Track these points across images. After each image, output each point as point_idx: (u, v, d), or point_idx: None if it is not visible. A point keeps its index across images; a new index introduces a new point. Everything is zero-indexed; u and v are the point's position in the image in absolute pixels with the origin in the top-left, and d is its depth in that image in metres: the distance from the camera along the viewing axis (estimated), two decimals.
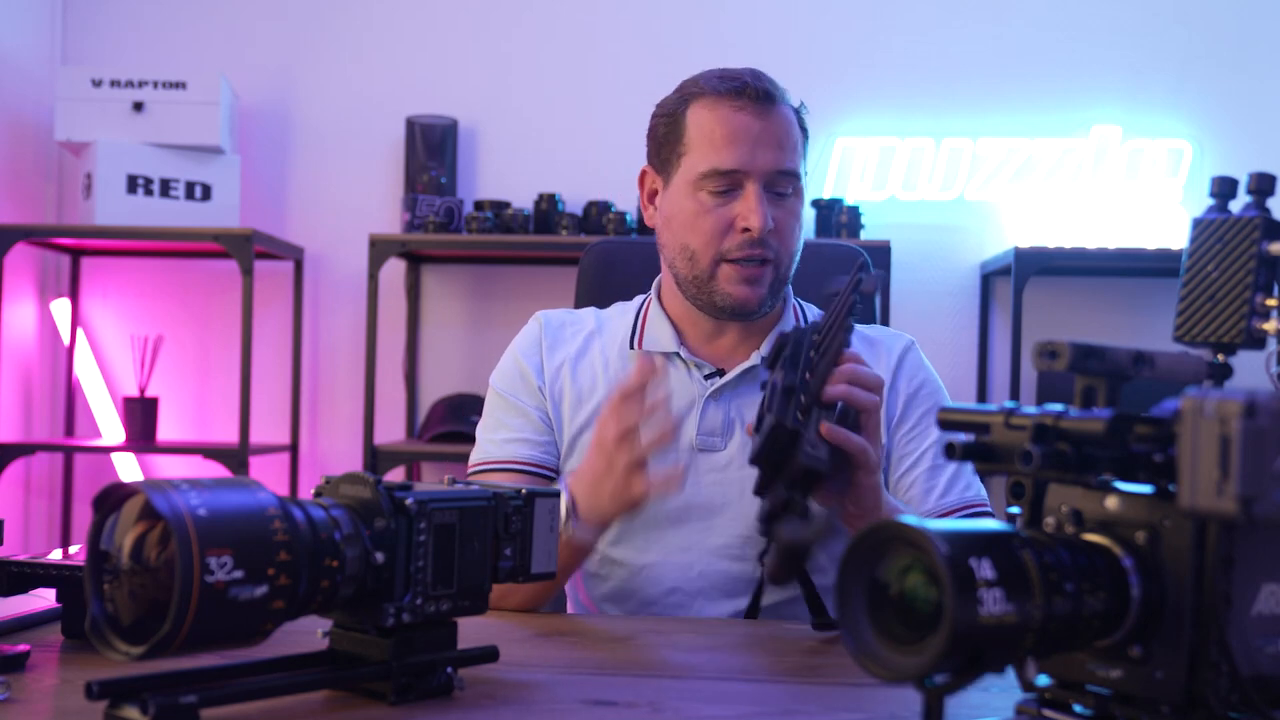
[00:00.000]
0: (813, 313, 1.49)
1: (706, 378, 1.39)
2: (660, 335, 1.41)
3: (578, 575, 1.42)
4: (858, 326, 1.40)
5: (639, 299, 1.49)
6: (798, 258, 1.40)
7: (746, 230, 1.32)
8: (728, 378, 1.38)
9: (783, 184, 1.35)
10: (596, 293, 1.65)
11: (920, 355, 1.46)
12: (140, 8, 3.40)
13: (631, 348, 1.41)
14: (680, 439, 1.36)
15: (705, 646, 1.04)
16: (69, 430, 3.34)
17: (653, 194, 1.43)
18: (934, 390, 1.43)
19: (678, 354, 1.40)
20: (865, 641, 0.62)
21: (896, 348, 1.44)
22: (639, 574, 1.36)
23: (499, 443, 1.41)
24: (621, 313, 1.49)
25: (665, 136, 1.39)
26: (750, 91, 1.34)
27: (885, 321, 2.94)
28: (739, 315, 1.37)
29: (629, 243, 1.78)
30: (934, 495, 1.38)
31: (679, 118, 1.37)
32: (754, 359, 1.38)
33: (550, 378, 1.43)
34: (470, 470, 1.42)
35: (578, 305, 1.67)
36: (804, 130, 1.40)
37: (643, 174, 1.44)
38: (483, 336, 3.24)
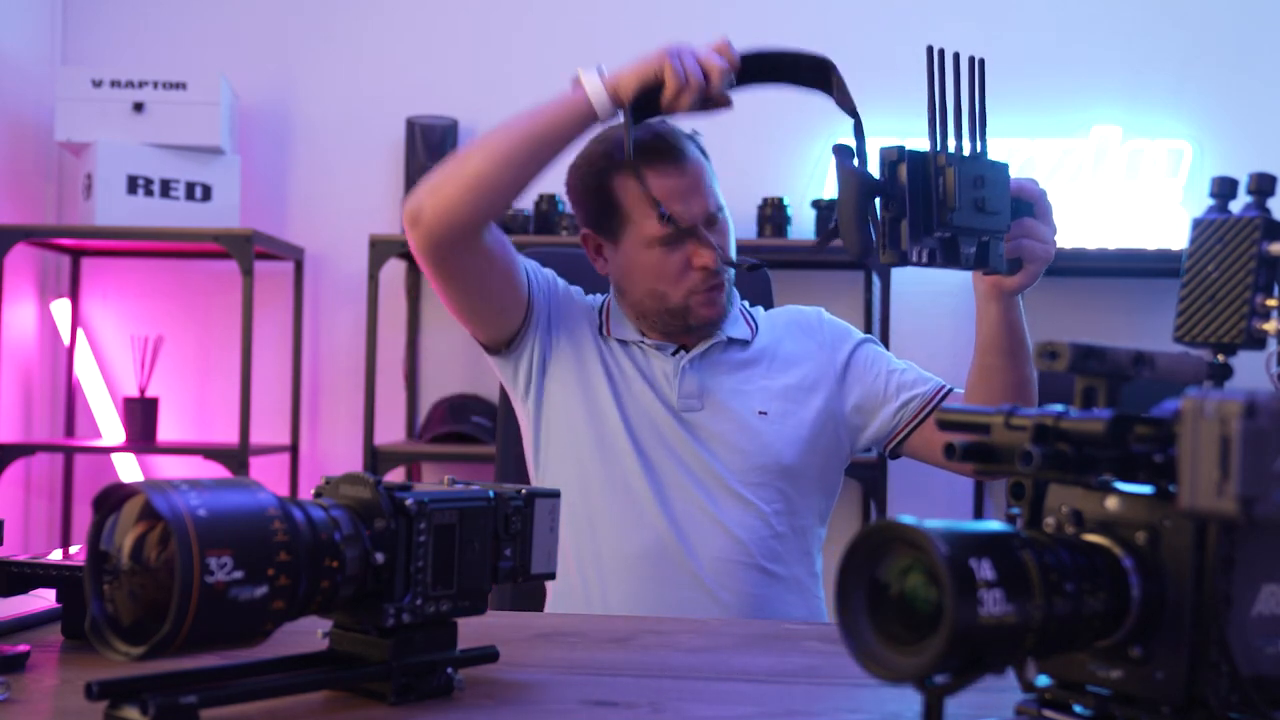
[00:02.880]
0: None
1: (673, 354, 1.57)
2: (624, 326, 1.59)
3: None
4: (774, 313, 1.67)
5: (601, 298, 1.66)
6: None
7: (705, 268, 1.51)
8: (696, 350, 1.56)
9: (715, 216, 1.54)
10: None
11: (830, 317, 1.67)
12: (140, 8, 3.40)
13: (603, 335, 1.59)
14: (662, 403, 1.55)
15: (705, 646, 1.04)
16: (69, 431, 3.34)
17: (598, 248, 1.59)
18: (850, 335, 1.64)
19: (643, 342, 1.58)
20: (865, 642, 0.62)
21: (818, 321, 1.65)
22: (640, 520, 1.52)
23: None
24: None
25: (599, 208, 1.55)
26: (664, 147, 1.52)
27: (886, 322, 2.94)
28: (710, 327, 1.56)
29: (547, 252, 1.90)
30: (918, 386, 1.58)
31: (605, 190, 1.54)
32: (718, 336, 1.57)
33: (562, 313, 1.59)
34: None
35: None
36: (705, 154, 1.57)
37: (585, 237, 1.60)
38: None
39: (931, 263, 1.20)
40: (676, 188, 1.50)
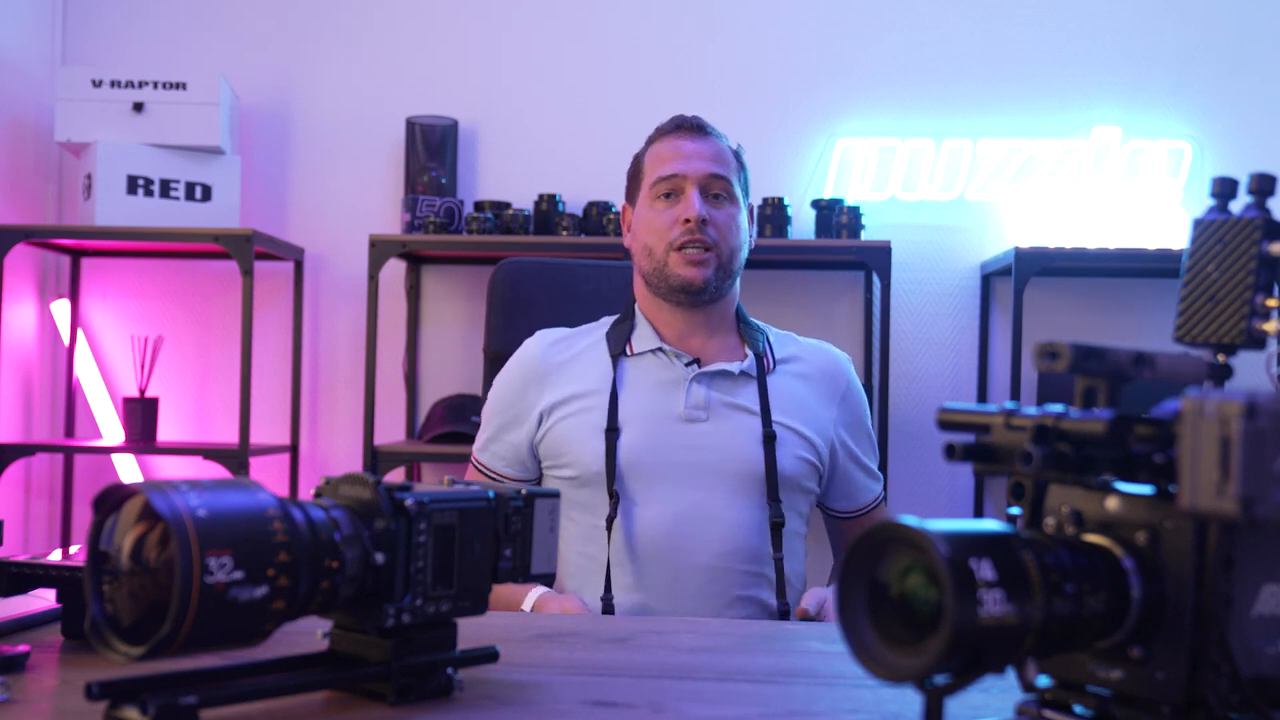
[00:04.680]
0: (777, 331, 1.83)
1: (687, 365, 1.69)
2: (644, 336, 1.73)
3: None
4: (802, 346, 1.79)
5: (609, 320, 1.79)
6: (742, 254, 1.73)
7: (687, 221, 1.66)
8: (707, 369, 1.69)
9: (717, 188, 1.70)
10: (505, 308, 1.98)
11: (854, 384, 1.80)
12: (140, 8, 3.40)
13: (625, 354, 1.72)
14: (671, 412, 1.67)
15: (705, 647, 1.04)
16: (69, 431, 3.34)
17: (629, 224, 1.79)
18: (860, 414, 1.80)
19: (661, 349, 1.71)
20: (865, 642, 0.62)
21: (843, 374, 1.79)
22: (645, 520, 1.64)
23: (484, 445, 1.78)
24: (607, 323, 1.79)
25: (632, 174, 1.79)
26: (687, 124, 1.74)
27: (886, 322, 2.94)
28: (691, 293, 1.68)
29: (537, 263, 2.09)
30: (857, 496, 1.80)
31: (640, 157, 1.78)
32: (733, 368, 1.69)
33: (546, 405, 1.72)
34: (472, 457, 1.80)
35: (488, 317, 2.08)
36: (741, 164, 1.75)
37: (622, 210, 1.83)
38: (483, 337, 3.24)
39: None
40: (681, 149, 1.70)
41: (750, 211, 1.77)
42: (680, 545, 1.62)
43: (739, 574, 1.63)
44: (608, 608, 1.61)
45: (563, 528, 1.67)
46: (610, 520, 1.63)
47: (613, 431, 1.65)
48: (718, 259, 1.68)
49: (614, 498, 1.63)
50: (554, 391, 1.71)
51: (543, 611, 1.52)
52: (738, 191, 1.72)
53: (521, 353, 1.77)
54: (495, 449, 1.75)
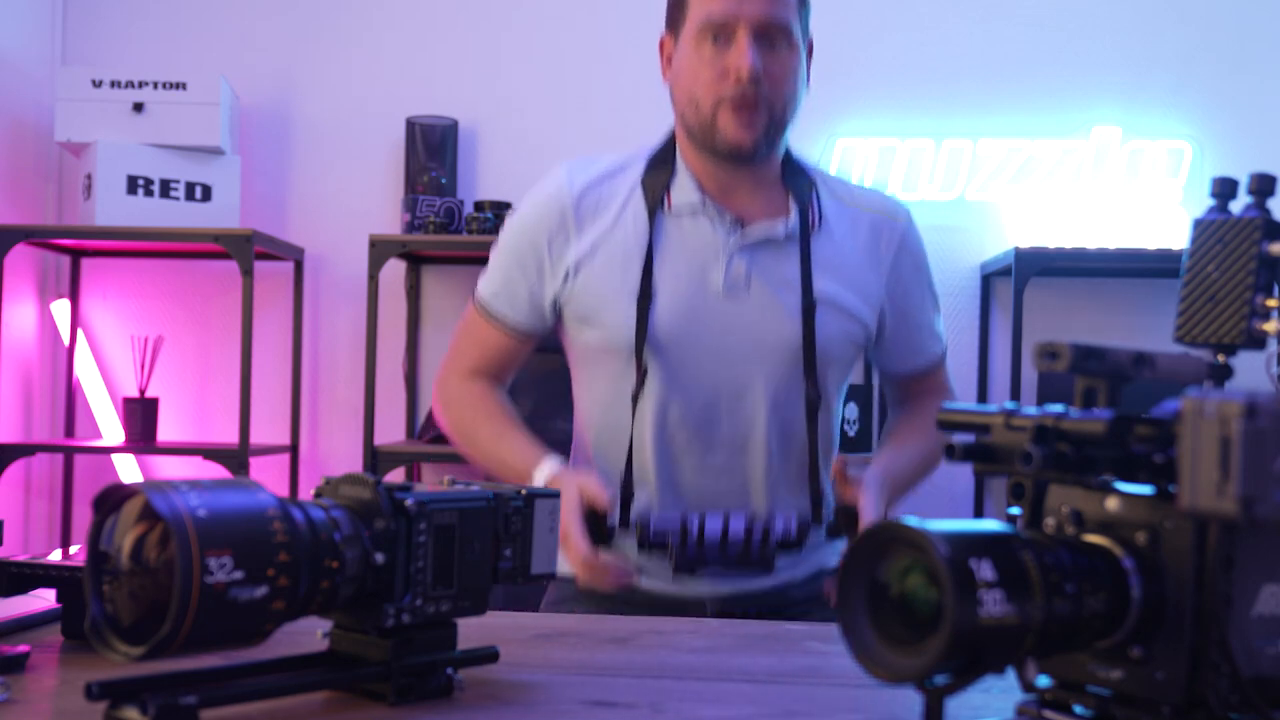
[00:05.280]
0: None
1: (729, 227, 1.52)
2: (684, 187, 1.53)
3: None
4: (855, 195, 1.61)
5: (645, 152, 1.59)
6: (796, 108, 1.52)
7: (738, 75, 1.45)
8: (750, 239, 1.52)
9: (774, 35, 1.47)
10: None
11: (916, 230, 1.65)
12: (140, 8, 3.40)
13: (661, 209, 1.53)
14: (709, 284, 1.51)
15: (705, 647, 1.04)
16: (69, 431, 3.34)
17: (670, 58, 1.56)
18: (921, 266, 1.66)
19: (703, 205, 1.52)
20: (866, 642, 0.62)
21: (896, 228, 1.61)
22: (674, 400, 1.52)
23: (497, 291, 1.62)
24: (644, 159, 1.59)
25: (674, 2, 1.54)
26: None
27: None
28: (737, 157, 1.49)
29: None
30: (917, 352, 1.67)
31: None
32: (778, 230, 1.52)
33: (573, 259, 1.55)
34: (472, 303, 1.65)
35: None
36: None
37: (661, 41, 1.58)
38: None
39: None
40: None
41: (809, 49, 1.54)
42: (707, 428, 1.51)
43: (770, 456, 1.52)
44: (627, 494, 1.49)
45: (587, 393, 1.59)
46: (635, 396, 1.50)
47: (646, 298, 1.49)
48: (769, 115, 1.47)
49: (642, 371, 1.49)
50: (586, 241, 1.54)
51: (557, 487, 1.40)
52: (797, 34, 1.49)
53: (550, 188, 1.58)
54: (510, 298, 1.59)
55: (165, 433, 3.21)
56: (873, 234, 1.58)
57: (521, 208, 1.61)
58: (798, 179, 1.56)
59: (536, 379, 1.93)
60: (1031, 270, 2.82)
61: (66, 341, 3.33)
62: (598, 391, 1.57)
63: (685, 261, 1.52)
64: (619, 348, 1.52)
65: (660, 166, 1.55)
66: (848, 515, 1.45)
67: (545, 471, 1.48)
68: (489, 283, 1.62)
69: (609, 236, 1.53)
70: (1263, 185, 0.71)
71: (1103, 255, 2.92)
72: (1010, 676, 0.68)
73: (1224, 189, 0.74)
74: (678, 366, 1.51)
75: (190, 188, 3.12)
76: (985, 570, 0.59)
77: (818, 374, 1.51)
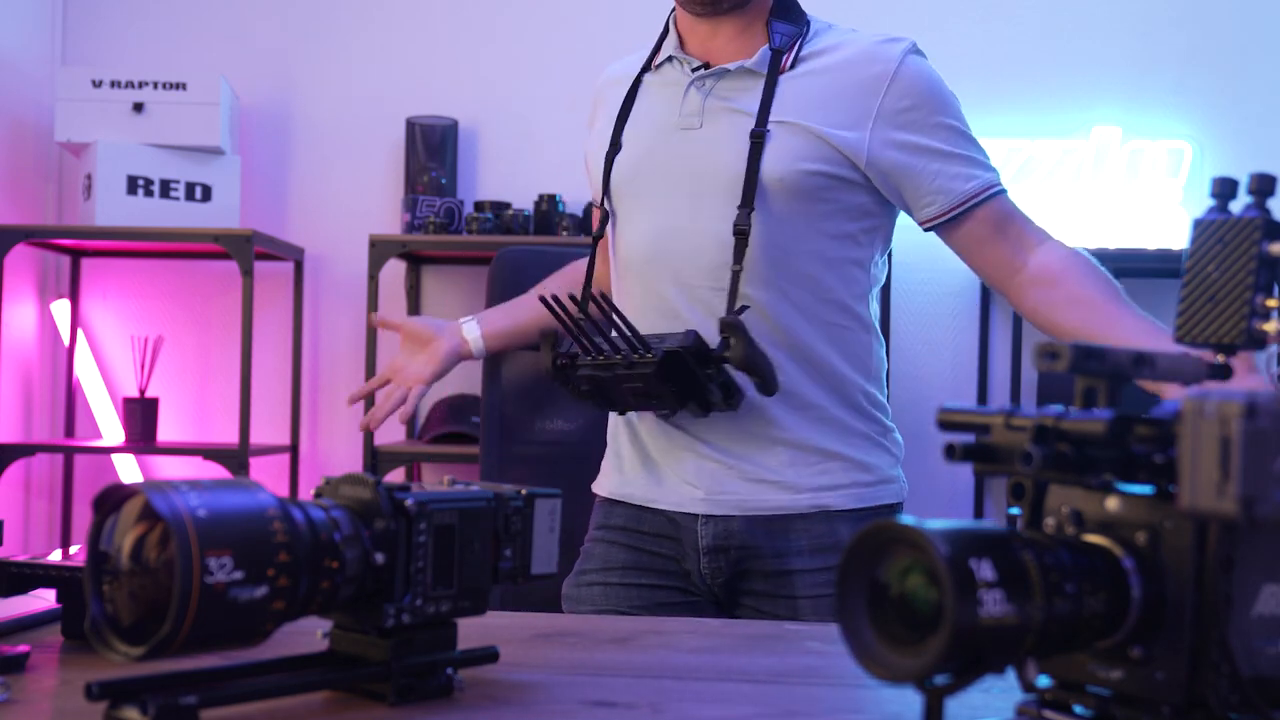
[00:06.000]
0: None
1: (693, 70, 1.54)
2: (668, 45, 1.60)
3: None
4: (848, 38, 1.57)
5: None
6: None
7: None
8: (708, 72, 1.53)
9: None
10: (505, 296, 1.90)
11: (918, 64, 1.54)
12: (140, 8, 3.40)
13: (648, 70, 1.61)
14: (668, 122, 1.55)
15: (706, 647, 1.04)
16: (69, 431, 3.34)
17: None
18: (932, 96, 1.53)
19: (673, 57, 1.58)
20: (865, 642, 0.62)
21: (891, 58, 1.53)
22: (627, 237, 1.57)
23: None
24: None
25: None
26: None
27: (886, 323, 2.94)
28: (705, 4, 1.51)
29: (536, 250, 2.04)
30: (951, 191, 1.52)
31: None
32: (733, 65, 1.52)
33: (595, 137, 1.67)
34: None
35: (488, 305, 1.92)
36: None
37: None
38: None
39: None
40: None
41: None
42: (654, 263, 1.53)
43: (703, 292, 1.49)
44: (550, 338, 1.54)
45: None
46: (596, 240, 1.63)
47: (615, 148, 1.58)
48: None
49: (606, 217, 1.61)
50: (599, 114, 1.68)
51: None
52: None
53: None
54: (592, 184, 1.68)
55: (165, 433, 3.21)
56: (857, 68, 1.51)
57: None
58: (783, 23, 1.54)
59: (536, 379, 1.93)
60: None
61: (66, 341, 3.33)
62: (606, 250, 1.66)
63: (653, 108, 1.58)
64: (599, 198, 1.62)
65: (663, 37, 1.62)
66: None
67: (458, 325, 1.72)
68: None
69: (608, 104, 1.64)
70: (1263, 185, 0.71)
71: (1103, 255, 2.90)
72: (1010, 676, 0.68)
73: (1224, 189, 0.74)
74: (633, 206, 1.56)
75: (190, 188, 3.12)
76: (985, 570, 0.59)
77: (755, 202, 1.45)
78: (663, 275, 1.52)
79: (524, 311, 1.76)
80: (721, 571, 1.52)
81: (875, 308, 1.60)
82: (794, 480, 1.50)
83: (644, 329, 1.43)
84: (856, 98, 1.49)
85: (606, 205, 1.61)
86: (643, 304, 1.54)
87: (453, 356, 1.75)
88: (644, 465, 1.58)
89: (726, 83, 1.52)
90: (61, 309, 3.35)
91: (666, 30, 1.61)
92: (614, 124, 1.59)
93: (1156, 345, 1.41)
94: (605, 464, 1.67)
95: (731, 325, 1.39)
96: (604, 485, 1.65)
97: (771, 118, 1.47)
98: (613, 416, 1.62)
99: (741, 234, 1.44)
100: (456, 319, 1.78)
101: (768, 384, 1.42)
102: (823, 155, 1.47)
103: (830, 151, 1.47)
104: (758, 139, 1.46)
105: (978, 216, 1.52)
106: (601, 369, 1.45)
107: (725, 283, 1.45)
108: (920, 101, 1.50)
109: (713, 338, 1.41)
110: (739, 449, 1.51)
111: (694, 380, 1.42)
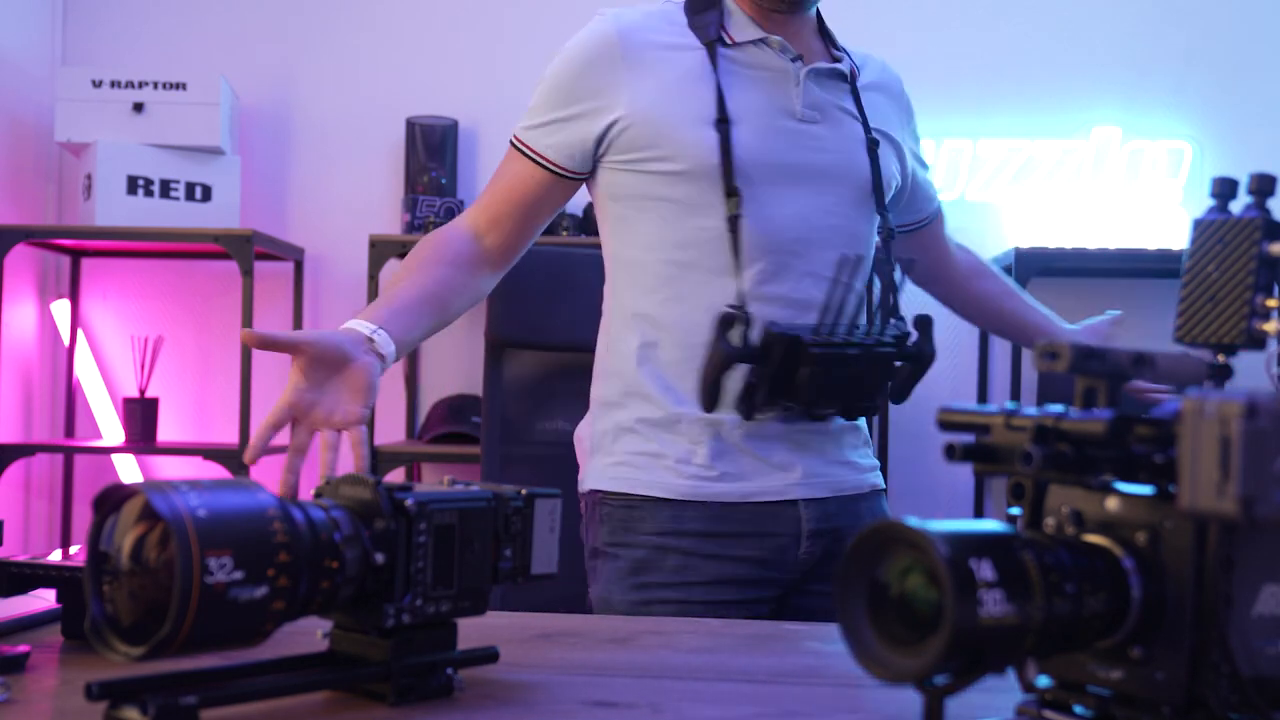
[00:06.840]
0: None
1: (793, 60, 1.50)
2: (743, 25, 1.52)
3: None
4: (862, 56, 1.63)
5: (673, 5, 1.57)
6: None
7: None
8: (819, 68, 1.52)
9: None
10: (505, 294, 1.85)
11: (905, 92, 1.69)
12: (140, 8, 3.40)
13: (722, 43, 1.50)
14: (784, 109, 1.50)
15: (706, 647, 1.04)
16: (69, 431, 3.34)
17: None
18: (912, 120, 1.70)
19: (765, 40, 1.50)
20: (866, 642, 0.62)
21: (901, 84, 1.67)
22: (771, 222, 1.48)
23: (544, 131, 1.53)
24: (680, 7, 1.56)
25: None
26: None
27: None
28: (795, 3, 1.50)
29: (535, 250, 1.96)
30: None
31: None
32: (841, 65, 1.55)
33: (633, 91, 1.49)
34: (516, 137, 1.56)
35: (489, 304, 1.85)
36: None
37: None
38: (483, 337, 3.24)
39: (787, 414, 1.45)
40: None
41: None
42: (803, 250, 1.47)
43: (832, 285, 1.42)
44: (735, 320, 1.36)
45: (648, 231, 1.51)
46: (734, 219, 1.44)
47: (724, 122, 1.45)
48: None
49: (734, 194, 1.44)
50: (640, 74, 1.49)
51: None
52: None
53: (596, 29, 1.55)
54: (557, 139, 1.51)
55: (165, 433, 3.21)
56: (890, 89, 1.63)
57: (566, 50, 1.56)
58: (829, 33, 1.61)
59: (536, 379, 1.93)
60: (1032, 270, 2.82)
61: (66, 341, 3.33)
62: (664, 225, 1.49)
63: (756, 86, 1.49)
64: (700, 173, 1.46)
65: (704, 12, 1.53)
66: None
67: (350, 326, 1.39)
68: (531, 118, 1.54)
69: (663, 68, 1.49)
70: (1263, 185, 0.71)
71: (1103, 255, 2.92)
72: (1010, 676, 0.68)
73: (1224, 189, 0.74)
74: (769, 189, 1.47)
75: (190, 188, 3.12)
76: (985, 570, 0.59)
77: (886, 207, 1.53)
78: (807, 264, 1.48)
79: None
80: (814, 556, 1.51)
81: None
82: (858, 461, 1.57)
83: (771, 315, 1.40)
84: (896, 112, 1.62)
85: (727, 182, 1.46)
86: (794, 284, 1.48)
87: (376, 381, 1.41)
88: (725, 459, 1.48)
89: (833, 82, 1.54)
90: (61, 309, 3.35)
91: (710, 4, 1.53)
92: (715, 94, 1.46)
93: (1056, 326, 1.71)
94: (644, 461, 1.50)
95: (926, 323, 1.41)
96: (658, 486, 1.49)
97: (871, 125, 1.55)
98: (660, 410, 1.49)
99: (889, 235, 1.52)
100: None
101: (909, 387, 1.42)
102: (902, 167, 1.60)
103: (902, 163, 1.60)
104: (874, 145, 1.53)
105: (939, 216, 1.75)
106: (834, 348, 1.34)
107: (847, 277, 1.40)
108: (914, 125, 1.68)
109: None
110: (817, 432, 1.52)
111: (889, 374, 1.39)
